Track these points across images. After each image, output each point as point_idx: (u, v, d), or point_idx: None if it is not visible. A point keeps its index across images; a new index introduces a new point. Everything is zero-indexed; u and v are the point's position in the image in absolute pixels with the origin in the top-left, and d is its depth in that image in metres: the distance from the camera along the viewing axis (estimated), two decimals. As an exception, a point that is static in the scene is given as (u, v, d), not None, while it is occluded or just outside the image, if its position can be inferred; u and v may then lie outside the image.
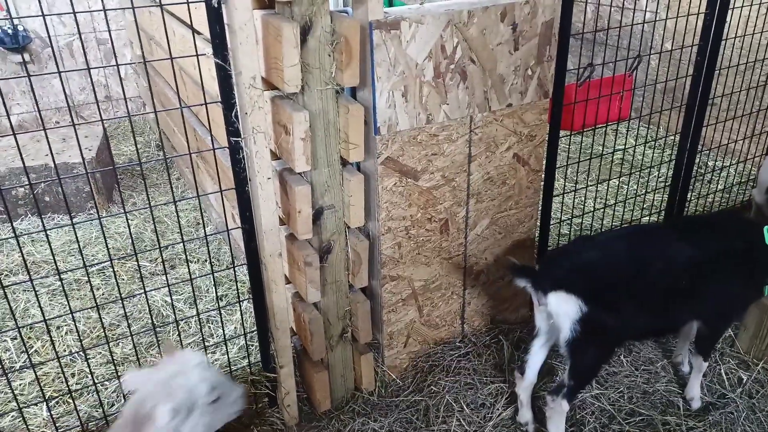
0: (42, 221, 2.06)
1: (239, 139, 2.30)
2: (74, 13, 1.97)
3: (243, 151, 2.33)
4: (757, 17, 4.09)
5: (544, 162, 3.09)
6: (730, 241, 2.57)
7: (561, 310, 2.37)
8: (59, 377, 2.94)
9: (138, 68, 6.34)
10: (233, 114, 2.26)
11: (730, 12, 3.39)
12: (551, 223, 3.35)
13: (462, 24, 2.50)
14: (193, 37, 2.26)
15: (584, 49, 6.07)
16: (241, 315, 2.74)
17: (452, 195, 2.86)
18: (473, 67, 2.62)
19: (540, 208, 3.23)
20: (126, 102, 2.18)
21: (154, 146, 5.89)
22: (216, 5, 2.07)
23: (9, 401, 2.81)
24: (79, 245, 2.16)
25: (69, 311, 2.24)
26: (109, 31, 2.07)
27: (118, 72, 2.13)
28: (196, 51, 2.20)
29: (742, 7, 3.80)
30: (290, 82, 2.23)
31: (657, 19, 3.47)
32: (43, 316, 2.21)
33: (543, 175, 3.12)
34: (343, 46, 2.29)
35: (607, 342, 2.49)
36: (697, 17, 3.43)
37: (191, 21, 2.20)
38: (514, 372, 2.69)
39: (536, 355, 2.64)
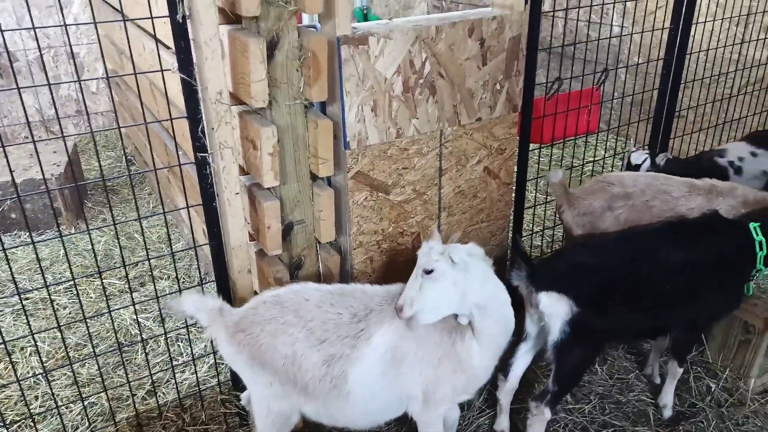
0: (0, 240, 2.00)
1: (206, 154, 2.28)
2: (34, 28, 1.94)
3: (210, 167, 2.31)
4: (720, 32, 4.20)
5: (515, 175, 3.12)
6: (719, 241, 2.60)
7: (552, 311, 2.39)
8: (22, 400, 2.85)
9: (110, 83, 6.26)
10: (200, 129, 2.24)
11: (694, 27, 3.48)
12: (524, 235, 3.38)
13: (430, 39, 2.52)
14: (158, 51, 2.23)
15: (555, 63, 6.17)
16: (211, 333, 2.69)
17: (424, 209, 2.86)
18: (442, 82, 2.64)
19: (512, 221, 3.25)
20: (89, 117, 2.14)
21: (125, 161, 5.80)
22: (181, 20, 2.05)
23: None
24: (39, 264, 2.11)
25: (30, 332, 2.18)
26: (71, 46, 2.04)
27: (80, 87, 2.09)
28: (161, 66, 2.18)
29: (705, 22, 3.90)
30: (257, 97, 2.22)
31: (624, 33, 3.54)
32: (2, 338, 2.15)
33: (514, 188, 3.15)
34: (311, 61, 2.28)
35: (593, 345, 2.52)
36: (662, 32, 3.51)
37: (155, 34, 2.18)
38: (498, 375, 2.68)
39: (521, 360, 2.65)
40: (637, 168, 3.51)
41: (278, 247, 2.54)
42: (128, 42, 2.20)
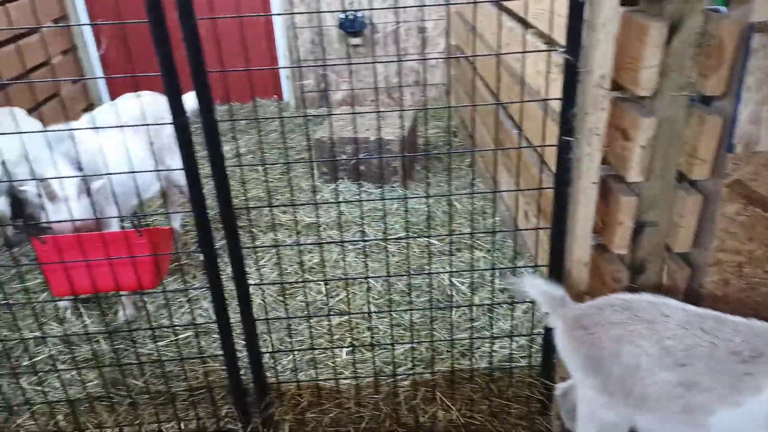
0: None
1: (572, 138, 2.23)
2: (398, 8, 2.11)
3: (573, 152, 2.26)
4: None
5: None
6: None
7: None
8: (354, 329, 3.31)
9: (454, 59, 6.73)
10: (571, 112, 2.20)
11: None
12: None
13: None
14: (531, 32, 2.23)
15: None
16: (531, 315, 2.71)
17: (811, 236, 2.35)
18: None
19: None
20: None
21: (452, 133, 6.22)
22: (581, 1, 2.01)
23: (319, 336, 3.30)
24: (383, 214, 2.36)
25: (367, 274, 2.47)
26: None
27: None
28: (525, 47, 2.18)
29: None
30: (643, 85, 2.07)
31: None
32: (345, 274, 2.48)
33: None
34: (714, 49, 2.02)
35: None
36: None
37: (524, 15, 2.19)
38: None
39: None
40: None
41: (624, 246, 2.39)
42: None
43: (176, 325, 3.38)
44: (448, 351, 3.02)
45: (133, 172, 2.41)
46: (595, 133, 2.19)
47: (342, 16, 6.64)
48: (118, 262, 2.58)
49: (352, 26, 6.70)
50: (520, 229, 2.94)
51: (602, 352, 2.04)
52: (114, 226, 3.39)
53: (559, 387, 2.53)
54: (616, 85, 2.31)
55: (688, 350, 1.93)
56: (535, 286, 2.21)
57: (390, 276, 3.51)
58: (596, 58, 2.07)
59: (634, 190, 2.32)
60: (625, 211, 2.29)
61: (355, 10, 6.58)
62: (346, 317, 3.37)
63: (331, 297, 3.63)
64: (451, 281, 3.60)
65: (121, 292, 3.41)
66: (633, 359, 1.99)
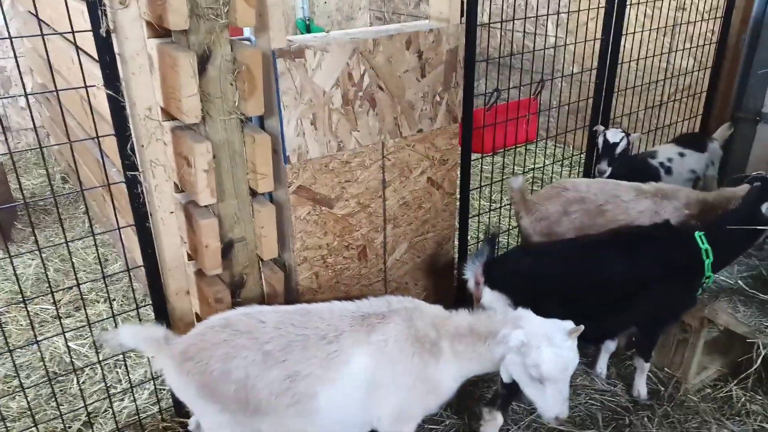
0: None
1: (137, 172, 2.18)
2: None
3: (142, 185, 2.21)
4: (649, 42, 4.38)
5: (459, 184, 3.14)
6: (666, 251, 2.68)
7: (492, 307, 2.50)
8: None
9: (40, 97, 5.98)
10: (129, 147, 2.14)
11: (624, 37, 3.61)
12: (470, 243, 3.40)
13: (368, 52, 2.51)
14: (80, 64, 2.12)
15: (495, 73, 6.29)
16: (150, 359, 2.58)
17: (369, 221, 2.84)
18: (381, 94, 2.63)
19: (457, 230, 3.27)
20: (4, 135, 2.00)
21: (59, 179, 5.54)
22: (105, 34, 1.96)
23: None
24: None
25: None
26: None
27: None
28: (85, 81, 2.07)
29: (635, 33, 4.06)
30: (189, 113, 2.15)
31: (559, 44, 3.64)
32: None
33: (458, 198, 3.16)
34: (245, 75, 2.23)
35: None
36: (594, 42, 3.62)
37: (81, 48, 2.08)
38: None
39: None
40: (615, 146, 3.48)
41: (218, 266, 2.46)
42: (47, 53, 2.09)
43: None
44: (66, 429, 2.65)
45: None
46: (158, 164, 2.19)
47: None
48: None
49: None
50: (112, 274, 2.76)
51: (213, 375, 2.06)
52: None
53: (191, 421, 2.47)
54: (172, 115, 2.35)
55: (285, 347, 2.10)
56: (130, 335, 2.09)
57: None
58: (136, 91, 2.06)
59: (213, 212, 2.41)
60: (207, 234, 2.36)
61: None
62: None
63: None
64: (68, 347, 3.17)
65: None
66: (242, 371, 2.06)
